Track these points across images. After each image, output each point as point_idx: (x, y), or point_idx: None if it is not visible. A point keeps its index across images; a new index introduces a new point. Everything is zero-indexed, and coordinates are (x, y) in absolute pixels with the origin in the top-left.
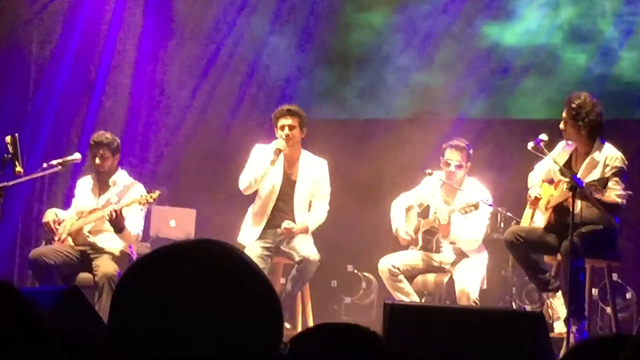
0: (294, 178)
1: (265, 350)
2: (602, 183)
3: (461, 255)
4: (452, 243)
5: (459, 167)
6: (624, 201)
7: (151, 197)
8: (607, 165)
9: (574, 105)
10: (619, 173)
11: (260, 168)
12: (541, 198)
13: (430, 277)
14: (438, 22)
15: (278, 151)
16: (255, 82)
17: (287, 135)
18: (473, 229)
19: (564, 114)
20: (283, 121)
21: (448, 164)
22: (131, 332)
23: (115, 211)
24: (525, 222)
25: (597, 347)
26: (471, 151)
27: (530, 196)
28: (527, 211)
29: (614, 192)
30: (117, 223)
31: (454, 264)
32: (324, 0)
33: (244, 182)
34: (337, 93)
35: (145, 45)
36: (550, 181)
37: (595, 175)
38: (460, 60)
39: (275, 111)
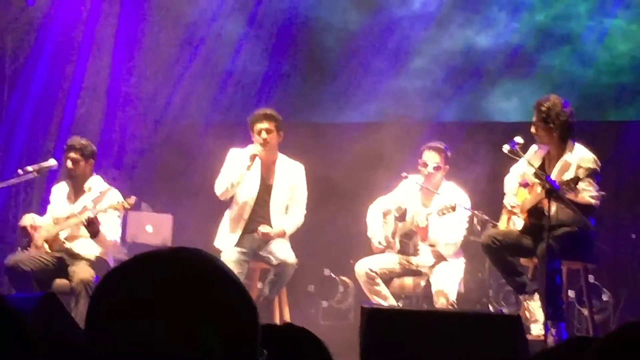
0: (270, 182)
1: (243, 356)
2: (574, 182)
3: (439, 258)
4: (431, 246)
5: (437, 168)
6: (598, 202)
7: (127, 203)
8: (580, 167)
9: (543, 108)
10: (592, 174)
11: (236, 173)
12: (516, 207)
13: (408, 281)
14: (413, 26)
15: (254, 156)
16: (231, 85)
17: (264, 140)
18: (451, 233)
19: (534, 118)
20: (259, 125)
21: (426, 165)
22: (108, 338)
23: (89, 217)
24: (502, 225)
25: (570, 348)
26: (449, 153)
27: (506, 206)
28: (504, 216)
29: (588, 194)
30: (93, 227)
31: (431, 267)
32: (300, 4)
33: (220, 187)
34: (313, 96)
35: (120, 50)
36: (525, 184)
37: (568, 176)
38: (436, 64)
39: (251, 115)
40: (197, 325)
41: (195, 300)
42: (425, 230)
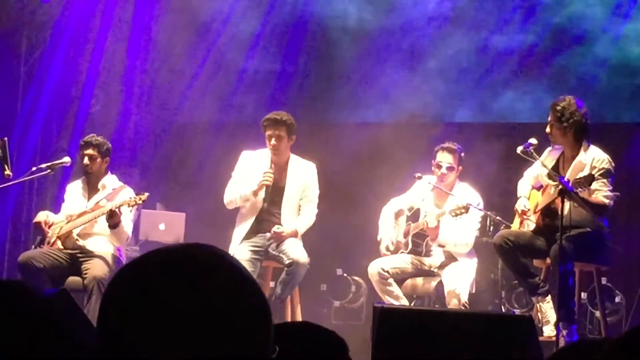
0: (283, 184)
1: (255, 353)
2: (588, 180)
3: (451, 258)
4: (440, 246)
5: (451, 169)
6: (611, 202)
7: (140, 198)
8: (594, 167)
9: (558, 108)
10: (606, 174)
11: (244, 191)
12: (527, 210)
13: (420, 281)
14: (427, 26)
15: (262, 186)
16: (244, 85)
17: (273, 146)
18: (463, 234)
19: (549, 118)
20: (269, 132)
21: (440, 166)
22: (120, 335)
23: (111, 209)
24: (515, 226)
25: (583, 349)
26: (462, 154)
27: (517, 210)
28: (517, 219)
29: (601, 193)
30: (114, 219)
31: (443, 267)
32: (314, 4)
33: (228, 197)
34: (327, 96)
35: (134, 48)
36: (539, 187)
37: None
38: (450, 64)
39: (264, 119)
40: (210, 321)
41: (207, 296)
42: (436, 231)
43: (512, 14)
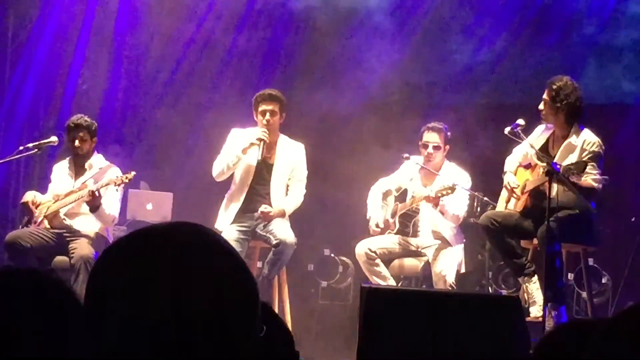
0: (271, 162)
1: (243, 332)
2: (580, 167)
3: (438, 239)
4: (441, 212)
5: (437, 148)
6: (600, 186)
7: (126, 177)
8: (585, 149)
9: (554, 87)
10: (596, 158)
11: (232, 155)
12: (517, 187)
13: (407, 261)
14: (412, 4)
15: (261, 141)
16: (232, 64)
17: (267, 121)
18: (456, 206)
19: (544, 95)
20: (264, 106)
21: (426, 146)
22: (107, 314)
23: (92, 190)
24: (500, 206)
25: (573, 330)
26: (449, 133)
27: (507, 186)
28: (503, 195)
29: (591, 177)
30: (94, 201)
31: (430, 248)
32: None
33: (216, 169)
34: (313, 77)
35: (121, 27)
36: (527, 165)
37: (572, 159)
38: (436, 47)
39: (257, 95)
40: (197, 300)
41: (195, 274)
42: (436, 200)
43: None
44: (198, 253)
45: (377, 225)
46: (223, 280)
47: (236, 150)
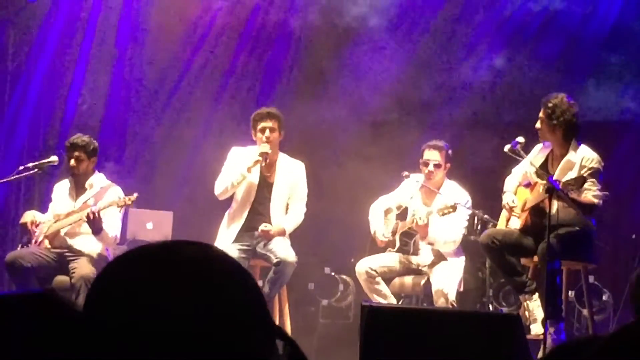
0: (271, 181)
1: (252, 350)
2: (579, 183)
3: (439, 257)
4: (430, 244)
5: (438, 166)
6: (600, 202)
7: (129, 199)
8: (584, 166)
9: (549, 105)
10: (596, 174)
11: (237, 173)
12: (515, 206)
13: (408, 280)
14: (414, 19)
15: (264, 154)
16: (233, 82)
17: (267, 138)
18: (451, 231)
19: (540, 114)
20: (263, 124)
21: (427, 164)
22: (106, 331)
23: (93, 212)
24: (501, 224)
25: (575, 349)
26: (450, 152)
27: (506, 205)
28: (504, 213)
29: (590, 193)
30: (95, 224)
31: (431, 266)
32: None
33: (220, 187)
34: (313, 93)
35: (122, 46)
36: (527, 184)
37: (571, 176)
38: (435, 64)
39: (255, 114)
40: (200, 315)
41: (196, 290)
42: (425, 229)
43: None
44: (199, 269)
45: (383, 235)
46: (229, 295)
47: (241, 169)
